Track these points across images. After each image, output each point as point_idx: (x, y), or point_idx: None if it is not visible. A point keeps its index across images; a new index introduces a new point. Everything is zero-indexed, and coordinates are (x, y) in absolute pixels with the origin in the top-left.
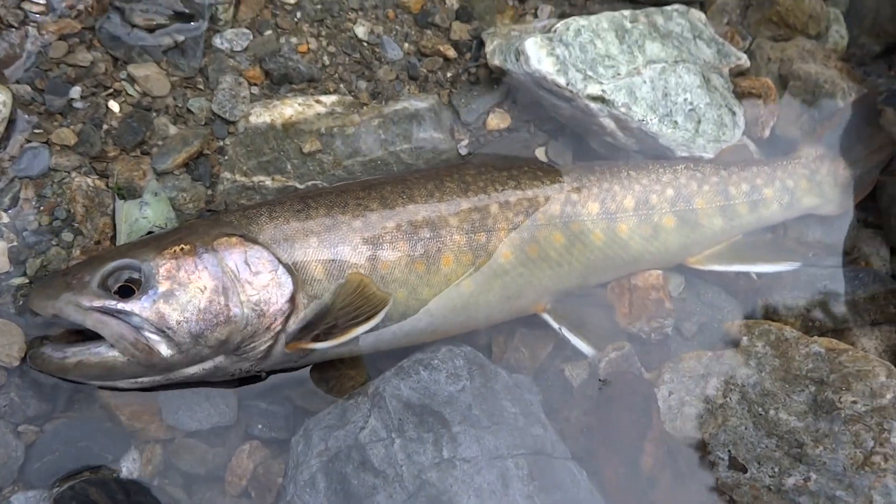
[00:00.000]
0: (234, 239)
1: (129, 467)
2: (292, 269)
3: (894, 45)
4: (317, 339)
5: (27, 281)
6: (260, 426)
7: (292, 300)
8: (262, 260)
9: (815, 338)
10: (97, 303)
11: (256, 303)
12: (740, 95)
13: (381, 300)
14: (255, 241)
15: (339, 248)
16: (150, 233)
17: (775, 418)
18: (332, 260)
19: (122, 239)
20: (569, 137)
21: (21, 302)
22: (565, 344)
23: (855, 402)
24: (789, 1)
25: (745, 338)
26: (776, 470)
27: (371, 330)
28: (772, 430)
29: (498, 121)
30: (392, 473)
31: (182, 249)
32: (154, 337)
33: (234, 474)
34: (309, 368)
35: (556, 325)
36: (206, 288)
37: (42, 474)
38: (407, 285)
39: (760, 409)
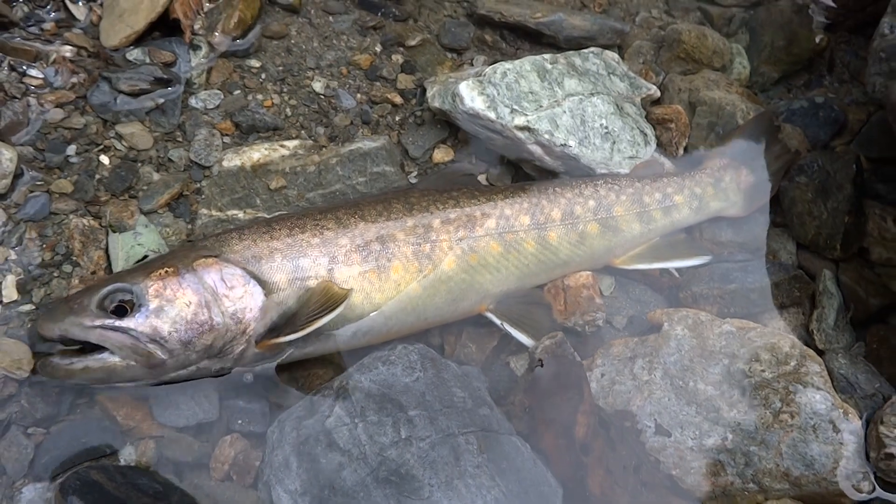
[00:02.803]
0: (210, 259)
1: (126, 459)
2: (262, 282)
3: (790, 72)
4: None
5: (33, 307)
6: (239, 421)
7: (263, 308)
8: (236, 276)
9: (727, 319)
10: (97, 322)
11: (234, 313)
12: (655, 121)
13: (342, 295)
14: (228, 261)
15: (301, 261)
16: (145, 257)
17: (694, 389)
18: (295, 272)
19: (118, 265)
20: (506, 166)
21: (29, 325)
22: (509, 339)
23: (763, 371)
24: (694, 40)
25: (666, 323)
26: (697, 433)
27: (333, 331)
28: (691, 399)
29: (442, 155)
30: (356, 452)
31: (167, 272)
32: (150, 346)
33: (218, 461)
34: (276, 370)
35: (498, 322)
36: (191, 302)
37: (49, 467)
38: (362, 291)
39: (681, 382)
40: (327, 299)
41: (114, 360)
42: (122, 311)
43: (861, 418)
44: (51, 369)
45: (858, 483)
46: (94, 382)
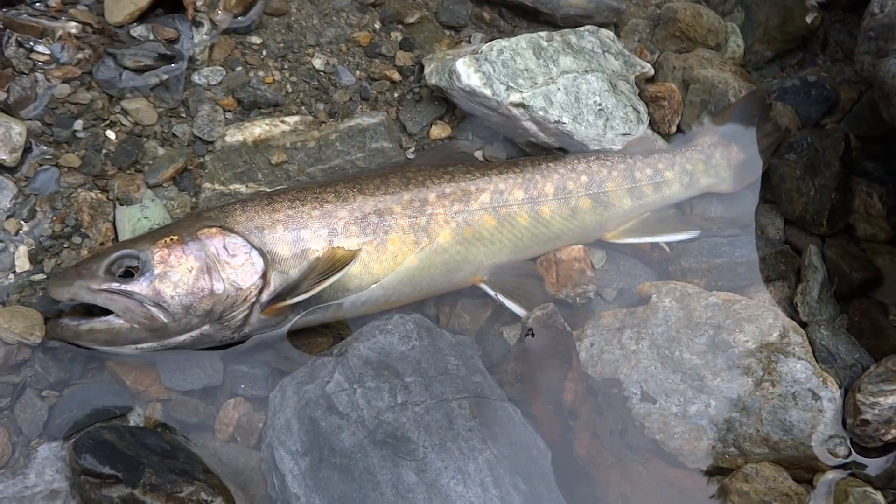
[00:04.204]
0: (213, 229)
1: (135, 420)
2: (263, 252)
3: (784, 51)
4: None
5: (45, 276)
6: (243, 386)
7: (264, 276)
8: (238, 245)
9: (713, 292)
10: (104, 285)
11: (234, 280)
12: (648, 99)
13: (348, 256)
14: (231, 230)
15: (301, 232)
16: (150, 230)
17: (680, 358)
18: (296, 242)
19: (125, 236)
20: (502, 142)
21: (41, 293)
22: (502, 310)
23: (747, 341)
24: (689, 18)
25: (654, 295)
26: (681, 400)
27: (333, 300)
28: (677, 367)
29: (440, 131)
30: (355, 416)
31: (172, 239)
32: (153, 310)
33: (222, 423)
34: (285, 337)
35: (492, 293)
36: (193, 269)
37: (62, 428)
38: (360, 262)
39: (667, 352)
40: (334, 261)
41: (119, 322)
42: (128, 275)
43: (840, 387)
44: (60, 330)
45: (835, 448)
46: (100, 344)
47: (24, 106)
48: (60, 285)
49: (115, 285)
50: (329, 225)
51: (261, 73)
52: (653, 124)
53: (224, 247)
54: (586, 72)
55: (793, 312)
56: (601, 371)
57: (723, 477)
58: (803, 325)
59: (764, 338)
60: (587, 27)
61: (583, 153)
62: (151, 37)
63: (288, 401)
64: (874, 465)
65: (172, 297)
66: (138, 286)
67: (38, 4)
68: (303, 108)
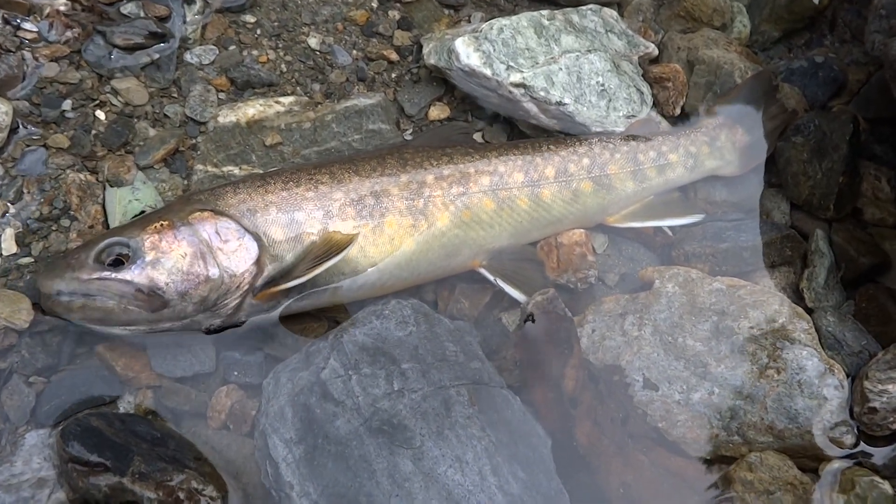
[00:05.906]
0: (205, 213)
1: (125, 407)
2: (256, 235)
3: (791, 31)
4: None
5: (32, 260)
6: (235, 373)
7: (258, 261)
8: (231, 229)
9: (718, 277)
10: (95, 275)
11: (228, 266)
12: (652, 80)
13: (345, 241)
14: (223, 214)
15: (295, 214)
16: (142, 212)
17: (683, 344)
18: (290, 225)
19: (116, 219)
20: (502, 124)
21: (28, 277)
22: (501, 295)
23: (752, 328)
24: None
25: (657, 281)
26: (684, 387)
27: (328, 285)
28: (680, 354)
29: (438, 112)
30: (350, 403)
31: (162, 225)
32: (148, 296)
33: (215, 410)
34: (279, 322)
35: (491, 277)
36: (186, 254)
37: (50, 415)
38: (356, 245)
39: (670, 338)
40: (330, 245)
41: (112, 302)
42: (118, 263)
43: (847, 374)
44: (52, 304)
45: (842, 436)
46: (91, 322)
47: (10, 85)
48: (51, 277)
49: (105, 275)
50: (324, 207)
51: (255, 53)
52: (657, 106)
53: (216, 231)
54: (589, 51)
55: (798, 298)
56: (602, 358)
57: (726, 466)
58: (809, 311)
59: (769, 324)
60: (590, 6)
61: (584, 135)
62: (142, 14)
63: (282, 388)
64: (881, 454)
65: (167, 283)
66: (129, 274)
67: None
68: (298, 88)
